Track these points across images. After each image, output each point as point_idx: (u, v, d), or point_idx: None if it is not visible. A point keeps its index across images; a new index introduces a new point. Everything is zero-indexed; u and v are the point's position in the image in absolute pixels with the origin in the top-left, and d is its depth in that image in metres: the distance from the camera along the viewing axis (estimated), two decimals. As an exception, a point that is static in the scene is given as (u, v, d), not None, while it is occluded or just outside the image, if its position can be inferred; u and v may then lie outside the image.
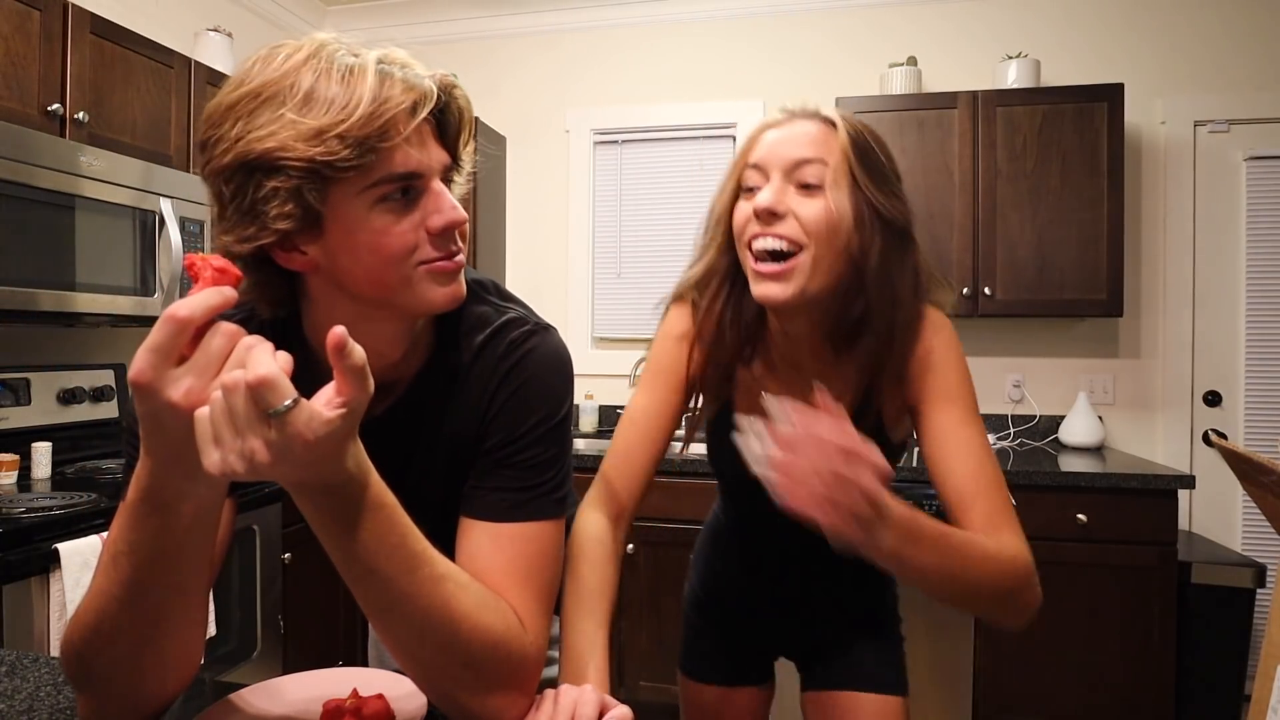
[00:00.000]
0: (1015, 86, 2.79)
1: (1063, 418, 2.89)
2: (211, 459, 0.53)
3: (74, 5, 2.01)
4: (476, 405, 0.79)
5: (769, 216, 0.88)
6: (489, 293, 0.86)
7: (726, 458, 1.05)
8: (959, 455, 0.89)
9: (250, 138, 0.62)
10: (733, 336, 0.99)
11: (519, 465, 0.77)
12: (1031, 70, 2.80)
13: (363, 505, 0.61)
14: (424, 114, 0.67)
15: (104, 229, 2.01)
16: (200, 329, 0.55)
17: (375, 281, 0.70)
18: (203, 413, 0.53)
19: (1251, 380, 2.83)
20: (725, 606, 1.23)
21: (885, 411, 0.97)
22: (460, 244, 0.74)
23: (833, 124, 0.91)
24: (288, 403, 0.52)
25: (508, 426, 0.78)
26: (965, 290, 2.71)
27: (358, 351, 0.54)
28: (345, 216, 0.67)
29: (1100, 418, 2.82)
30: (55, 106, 1.96)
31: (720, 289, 0.99)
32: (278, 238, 0.65)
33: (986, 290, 2.69)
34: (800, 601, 1.17)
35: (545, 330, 0.82)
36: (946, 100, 2.73)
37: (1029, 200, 2.68)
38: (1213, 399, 2.88)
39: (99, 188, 1.99)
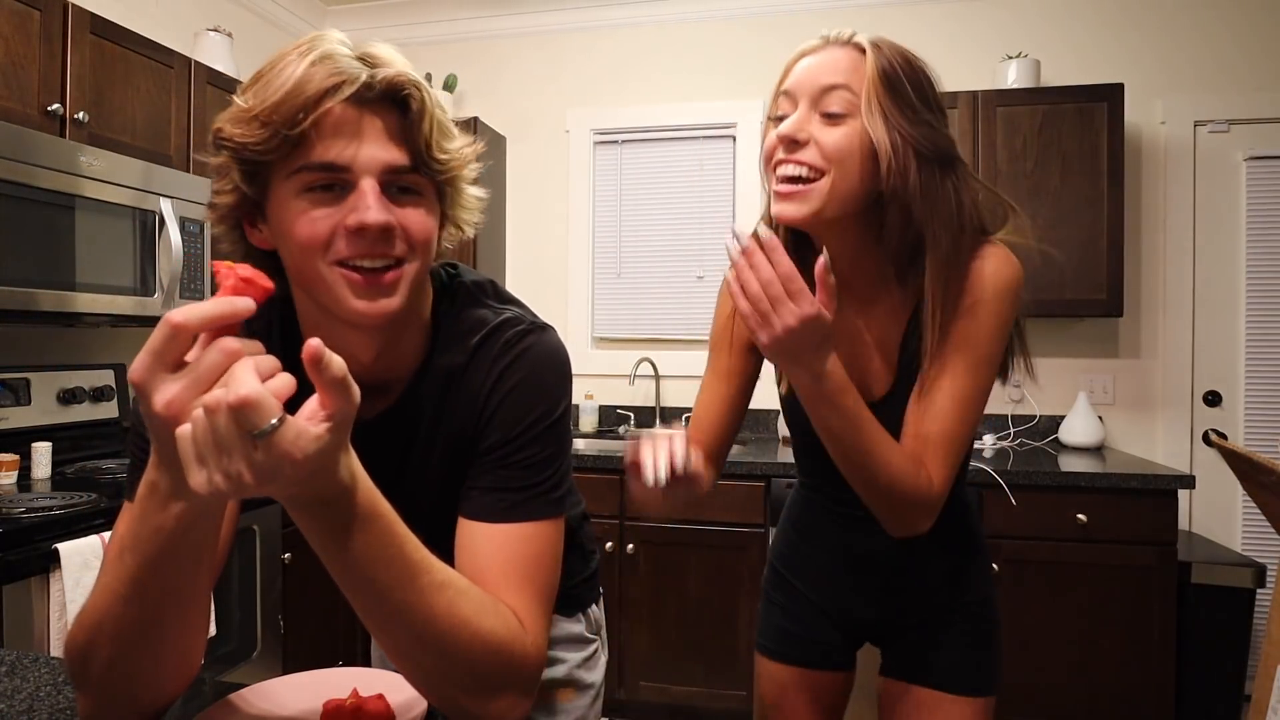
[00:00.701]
0: (1015, 86, 2.79)
1: (1063, 418, 2.89)
2: (196, 479, 0.51)
3: (74, 5, 2.01)
4: (473, 406, 0.79)
5: (791, 144, 0.90)
6: (486, 295, 0.85)
7: (796, 417, 1.07)
8: (941, 394, 0.93)
9: (218, 117, 0.69)
10: None
11: (516, 465, 0.77)
12: (1031, 70, 2.80)
13: (358, 516, 0.59)
14: (339, 98, 0.65)
15: (104, 229, 2.01)
16: (212, 336, 0.54)
17: (300, 274, 0.71)
18: (184, 431, 0.52)
19: (1251, 380, 2.83)
20: (808, 584, 1.19)
21: (923, 345, 0.94)
22: (396, 255, 0.69)
23: (863, 50, 0.95)
24: (273, 422, 0.50)
25: (504, 426, 0.77)
26: (965, 290, 2.71)
27: (336, 362, 0.53)
28: (277, 200, 0.69)
29: (1100, 418, 2.82)
30: (55, 106, 1.96)
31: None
32: (224, 210, 0.71)
33: (986, 290, 2.69)
34: (889, 589, 1.13)
35: (541, 329, 0.82)
36: (946, 100, 2.71)
37: (1029, 200, 2.68)
38: (1213, 399, 2.88)
39: (99, 188, 1.99)
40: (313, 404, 0.54)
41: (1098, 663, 2.32)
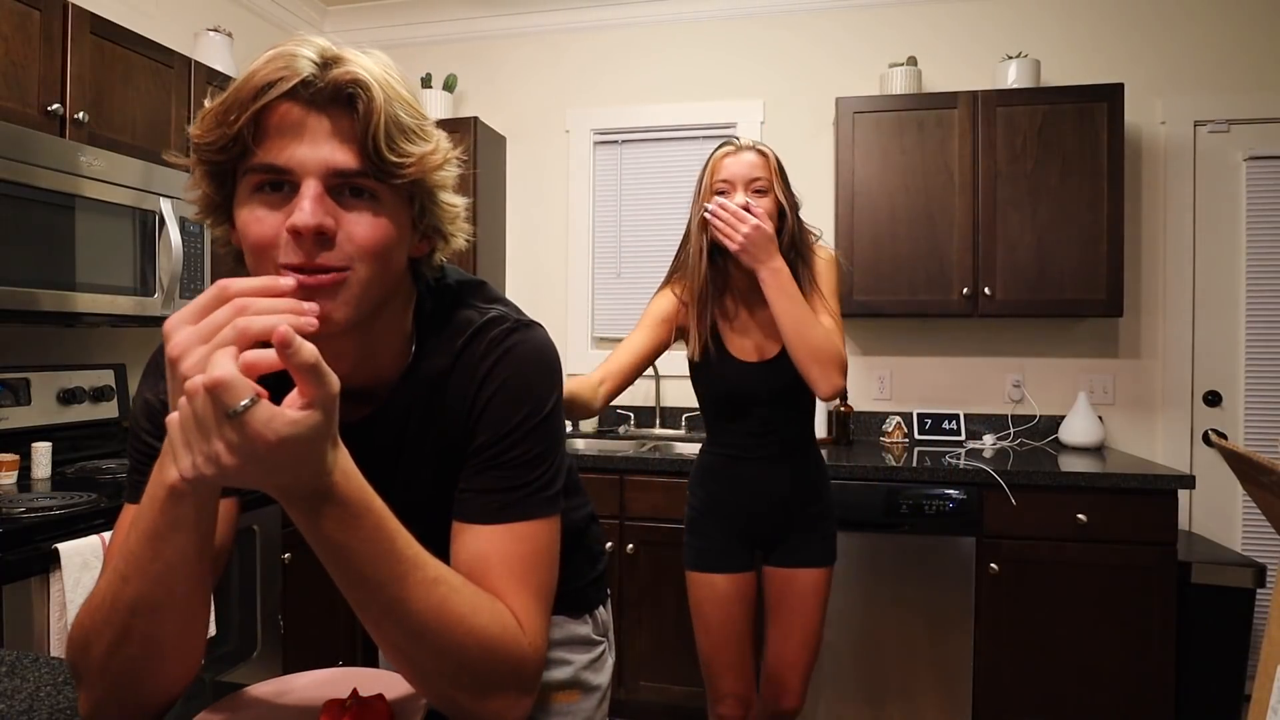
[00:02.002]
0: (1015, 86, 2.79)
1: (1063, 418, 2.89)
2: (183, 463, 0.53)
3: (74, 5, 2.01)
4: (460, 408, 0.79)
5: (746, 209, 1.59)
6: (472, 295, 0.85)
7: (708, 378, 1.75)
8: (824, 318, 1.64)
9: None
10: (713, 288, 1.70)
11: (507, 464, 0.76)
12: (1031, 70, 2.80)
13: (349, 511, 0.60)
14: (274, 95, 0.63)
15: (104, 229, 2.01)
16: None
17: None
18: (173, 418, 0.54)
19: (1251, 380, 2.83)
20: (719, 518, 1.76)
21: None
22: (335, 264, 0.66)
23: (764, 154, 1.65)
24: (244, 402, 0.51)
25: (493, 426, 0.77)
26: (965, 290, 2.71)
27: (306, 348, 0.53)
28: (237, 201, 0.68)
29: (1100, 418, 2.82)
30: (55, 106, 1.96)
31: (700, 262, 1.68)
32: (199, 210, 0.72)
33: (986, 290, 2.69)
34: (769, 508, 1.74)
35: (527, 326, 0.82)
36: (946, 100, 2.73)
37: (1029, 200, 2.68)
38: (1213, 399, 2.88)
39: (99, 188, 1.99)
40: (293, 393, 0.55)
41: (1098, 663, 2.32)
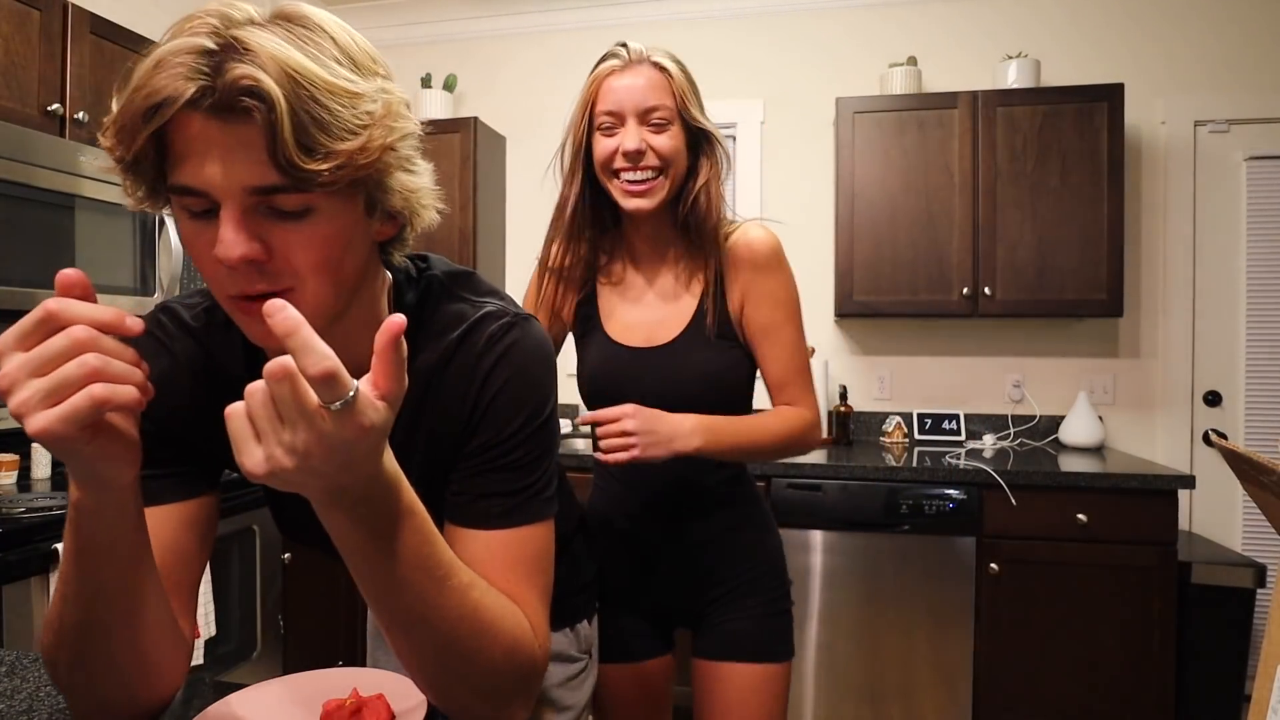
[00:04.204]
0: (1015, 86, 2.79)
1: (1063, 418, 2.89)
2: (254, 458, 0.48)
3: (74, 5, 2.01)
4: (458, 408, 0.74)
5: (635, 155, 1.14)
6: (463, 287, 0.80)
7: (597, 400, 1.24)
8: (780, 349, 1.19)
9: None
10: (591, 234, 1.25)
11: (508, 467, 0.73)
12: (1031, 70, 2.80)
13: (397, 513, 0.57)
14: (165, 117, 0.55)
15: (104, 229, 2.01)
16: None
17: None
18: (238, 408, 0.49)
19: (1251, 380, 2.83)
20: (617, 583, 1.26)
21: (730, 300, 1.20)
22: (276, 288, 0.60)
23: (664, 69, 1.17)
24: (351, 394, 0.48)
25: (494, 427, 0.73)
26: (965, 290, 2.71)
27: (404, 345, 0.52)
28: (174, 210, 0.62)
29: (1100, 418, 2.82)
30: (55, 106, 1.96)
31: (574, 198, 1.23)
32: (133, 202, 0.65)
33: (986, 290, 2.69)
34: (680, 563, 1.25)
35: (525, 320, 0.77)
36: (946, 100, 2.73)
37: (1029, 200, 2.68)
38: (1213, 399, 2.88)
39: (99, 188, 1.99)
40: (366, 382, 0.51)
41: (1098, 662, 2.32)
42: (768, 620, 1.22)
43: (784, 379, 1.20)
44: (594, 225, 1.24)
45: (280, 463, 0.48)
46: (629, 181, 1.15)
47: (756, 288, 1.18)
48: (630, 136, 1.13)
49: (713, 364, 1.18)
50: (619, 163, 1.15)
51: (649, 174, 1.15)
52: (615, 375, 1.20)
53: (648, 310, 1.23)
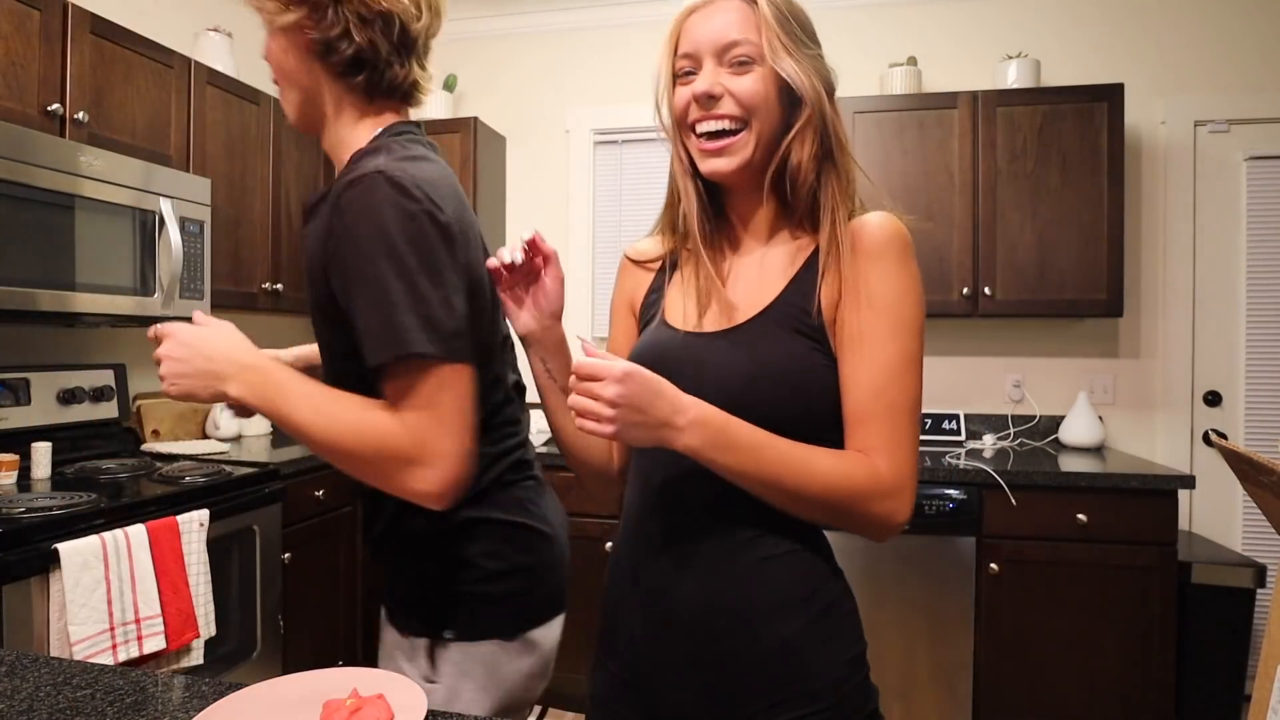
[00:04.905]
0: (1015, 86, 2.79)
1: (1063, 418, 2.89)
2: None
3: (74, 5, 2.01)
4: (318, 251, 0.93)
5: (708, 100, 0.88)
6: (381, 148, 0.96)
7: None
8: (866, 368, 0.83)
9: None
10: (699, 221, 0.94)
11: (352, 311, 0.89)
12: (1031, 70, 2.80)
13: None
14: None
15: (104, 229, 2.01)
16: None
17: None
18: None
19: (1251, 380, 2.83)
20: (614, 651, 0.93)
21: (824, 291, 0.87)
22: None
23: (754, 1, 0.89)
24: None
25: (337, 275, 0.90)
26: (965, 290, 2.71)
27: None
28: None
29: (1100, 418, 2.82)
30: (55, 106, 1.96)
31: (686, 189, 0.95)
32: None
33: (986, 290, 2.69)
34: (704, 661, 0.85)
35: (369, 178, 0.87)
36: (946, 100, 2.73)
37: (1029, 200, 2.68)
38: (1213, 399, 2.88)
39: (99, 188, 1.99)
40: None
41: (1098, 663, 2.32)
42: None
43: (864, 411, 0.83)
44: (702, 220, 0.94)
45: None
46: (704, 136, 0.89)
47: (858, 281, 0.85)
48: (703, 78, 0.88)
49: (775, 353, 0.85)
50: (693, 113, 0.90)
51: (727, 124, 0.88)
52: (652, 363, 0.84)
53: (718, 294, 0.92)
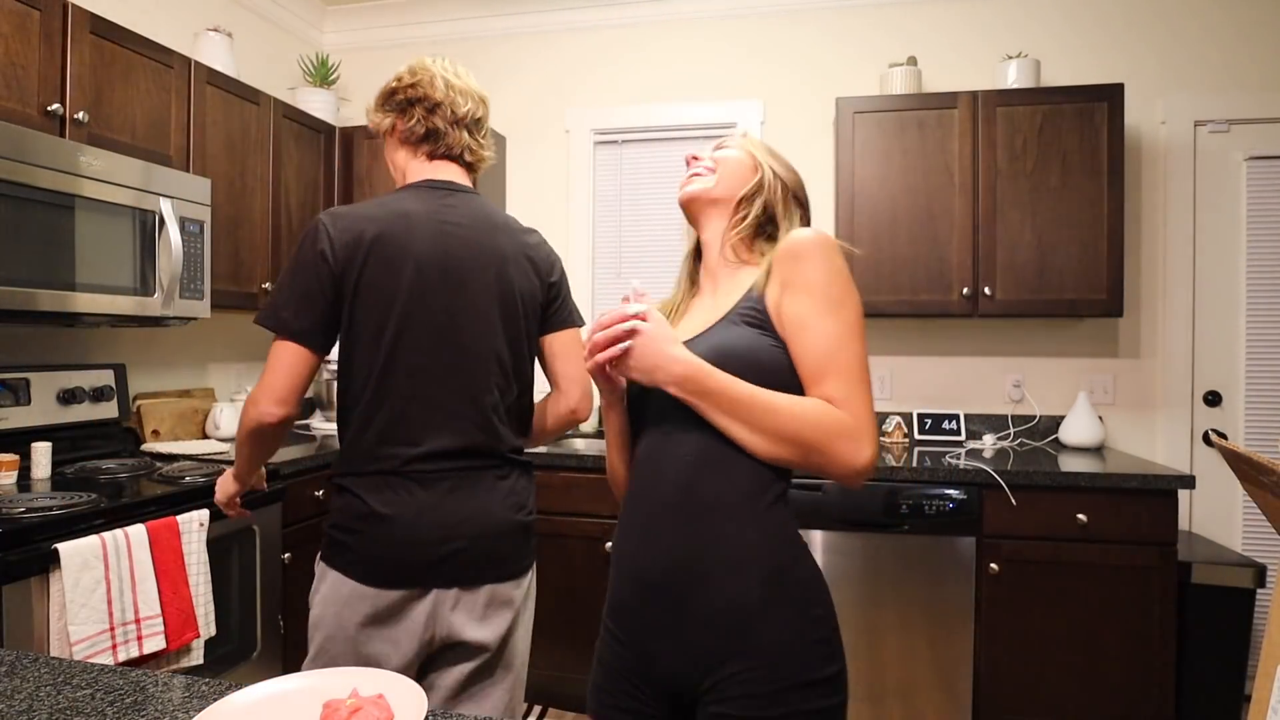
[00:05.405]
0: (1015, 86, 2.79)
1: (1063, 418, 2.89)
2: None
3: (74, 5, 2.01)
4: None
5: (693, 160, 1.21)
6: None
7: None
8: (813, 341, 1.00)
9: None
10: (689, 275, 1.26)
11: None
12: (1031, 70, 2.80)
13: None
14: None
15: (104, 229, 2.01)
16: None
17: None
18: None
19: (1251, 380, 2.83)
20: (615, 621, 1.05)
21: (769, 298, 1.05)
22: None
23: (745, 135, 1.23)
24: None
25: None
26: (965, 290, 2.71)
27: None
28: None
29: (1100, 418, 2.82)
30: (55, 106, 1.96)
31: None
32: None
33: (986, 290, 2.69)
34: (675, 622, 0.97)
35: (315, 222, 1.33)
36: (946, 100, 2.73)
37: (1029, 200, 2.68)
38: (1213, 399, 2.88)
39: (99, 188, 1.99)
40: None
41: (1098, 663, 2.32)
42: (754, 712, 0.95)
43: (819, 371, 0.98)
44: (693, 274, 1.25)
45: None
46: (690, 173, 1.20)
47: (793, 279, 1.02)
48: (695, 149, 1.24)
49: (728, 339, 1.03)
50: (688, 168, 1.22)
51: (700, 167, 1.18)
52: None
53: (689, 318, 1.17)
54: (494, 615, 1.34)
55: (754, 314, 1.04)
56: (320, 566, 1.34)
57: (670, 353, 0.97)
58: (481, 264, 1.36)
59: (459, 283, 1.34)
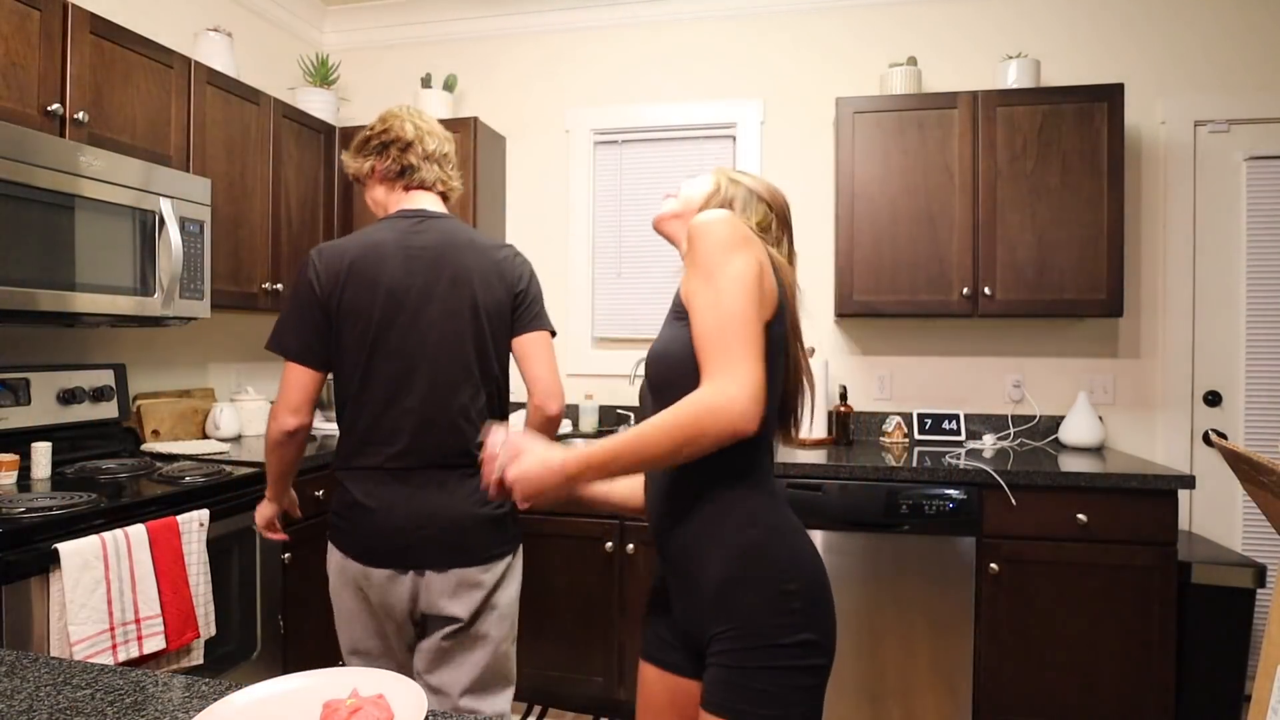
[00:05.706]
0: (1015, 86, 2.79)
1: (1063, 418, 2.89)
2: None
3: (74, 5, 2.01)
4: None
5: (669, 197, 1.30)
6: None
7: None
8: (698, 317, 1.05)
9: None
10: None
11: None
12: (1031, 70, 2.80)
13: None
14: None
15: (104, 229, 2.01)
16: None
17: None
18: None
19: (1251, 380, 2.83)
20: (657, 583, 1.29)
21: (684, 287, 1.12)
22: None
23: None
24: None
25: None
26: (965, 290, 2.71)
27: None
28: None
29: (1100, 418, 2.82)
30: (55, 106, 1.96)
31: None
32: None
33: (986, 290, 2.69)
34: (674, 589, 1.16)
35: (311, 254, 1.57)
36: (946, 100, 2.73)
37: (1029, 200, 2.68)
38: (1213, 399, 2.88)
39: (99, 188, 1.99)
40: None
41: (1098, 663, 2.32)
42: (728, 671, 1.05)
43: (699, 348, 1.03)
44: None
45: None
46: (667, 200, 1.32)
47: (689, 263, 1.08)
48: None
49: (659, 342, 1.14)
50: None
51: (674, 195, 1.30)
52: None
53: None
54: (464, 594, 1.52)
55: (679, 307, 1.14)
56: (328, 543, 1.59)
57: (547, 468, 1.04)
58: (446, 281, 1.54)
59: (425, 299, 1.52)
